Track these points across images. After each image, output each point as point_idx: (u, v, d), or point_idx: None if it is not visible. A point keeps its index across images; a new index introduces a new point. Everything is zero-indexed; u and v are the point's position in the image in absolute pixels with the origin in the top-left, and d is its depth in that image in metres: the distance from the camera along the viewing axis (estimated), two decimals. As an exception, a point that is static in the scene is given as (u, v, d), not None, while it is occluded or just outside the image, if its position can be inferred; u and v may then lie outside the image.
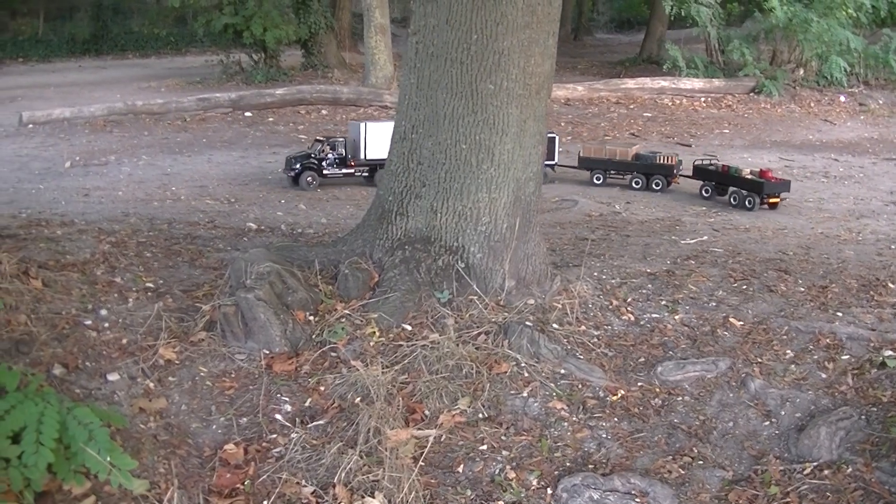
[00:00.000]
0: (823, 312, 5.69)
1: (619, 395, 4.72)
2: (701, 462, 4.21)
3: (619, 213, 10.03)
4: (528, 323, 5.11)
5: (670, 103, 19.75)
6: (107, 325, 4.78)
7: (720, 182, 11.08)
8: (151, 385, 4.38)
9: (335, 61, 23.90)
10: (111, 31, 33.07)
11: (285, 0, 22.93)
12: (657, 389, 4.81)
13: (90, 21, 33.71)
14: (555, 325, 5.24)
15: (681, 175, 11.61)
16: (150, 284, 5.51)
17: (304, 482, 3.87)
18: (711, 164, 11.37)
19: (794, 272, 6.60)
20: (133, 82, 22.72)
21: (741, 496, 3.95)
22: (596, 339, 5.22)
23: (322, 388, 4.55)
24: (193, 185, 11.05)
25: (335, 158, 11.42)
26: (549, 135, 10.66)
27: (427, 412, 4.39)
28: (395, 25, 25.47)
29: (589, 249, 6.89)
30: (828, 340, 5.22)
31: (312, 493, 3.80)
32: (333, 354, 4.81)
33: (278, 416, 4.36)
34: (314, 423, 4.28)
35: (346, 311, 5.11)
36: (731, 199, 10.71)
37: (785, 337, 5.32)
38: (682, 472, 4.12)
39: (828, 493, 3.88)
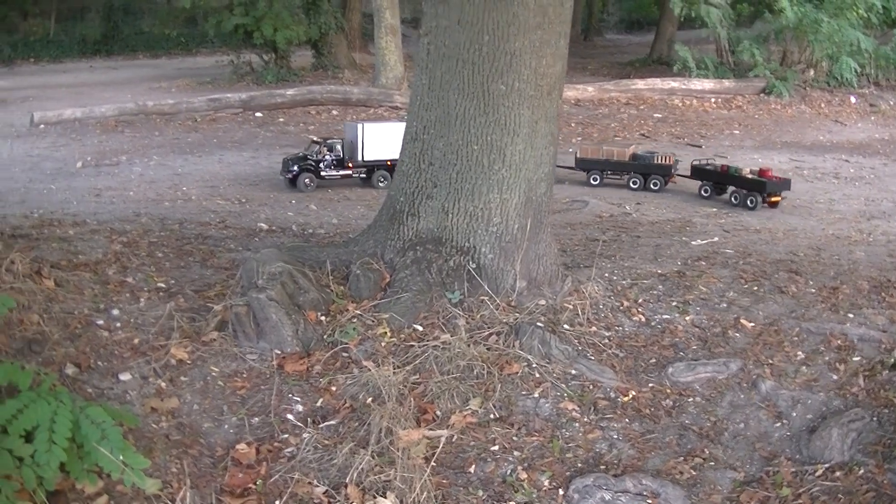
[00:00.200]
0: (834, 314, 5.68)
1: (631, 395, 4.72)
2: (712, 463, 4.21)
3: (630, 213, 10.00)
4: (539, 324, 5.11)
5: (680, 104, 19.68)
6: (119, 324, 4.81)
7: (718, 182, 11.07)
8: (163, 385, 4.40)
9: (345, 62, 23.91)
10: (122, 32, 33.17)
11: (296, 1, 22.95)
12: (668, 390, 4.81)
13: (101, 22, 33.83)
14: (566, 326, 5.24)
15: (678, 175, 11.58)
16: (162, 284, 5.53)
17: (315, 482, 3.88)
18: (709, 164, 11.36)
19: (805, 273, 6.57)
20: (144, 83, 22.77)
21: (752, 497, 3.94)
22: (607, 340, 5.22)
23: (334, 389, 4.57)
24: (204, 186, 11.07)
25: (332, 160, 11.13)
26: None
27: (438, 412, 4.40)
28: (405, 26, 25.44)
29: (600, 250, 6.88)
30: (839, 342, 5.21)
31: (324, 493, 3.81)
32: (345, 355, 4.82)
33: (290, 416, 4.37)
34: (326, 423, 4.29)
35: (358, 312, 5.12)
36: (732, 199, 10.69)
37: (796, 338, 5.31)
38: (694, 473, 4.12)
39: (839, 495, 3.87)
